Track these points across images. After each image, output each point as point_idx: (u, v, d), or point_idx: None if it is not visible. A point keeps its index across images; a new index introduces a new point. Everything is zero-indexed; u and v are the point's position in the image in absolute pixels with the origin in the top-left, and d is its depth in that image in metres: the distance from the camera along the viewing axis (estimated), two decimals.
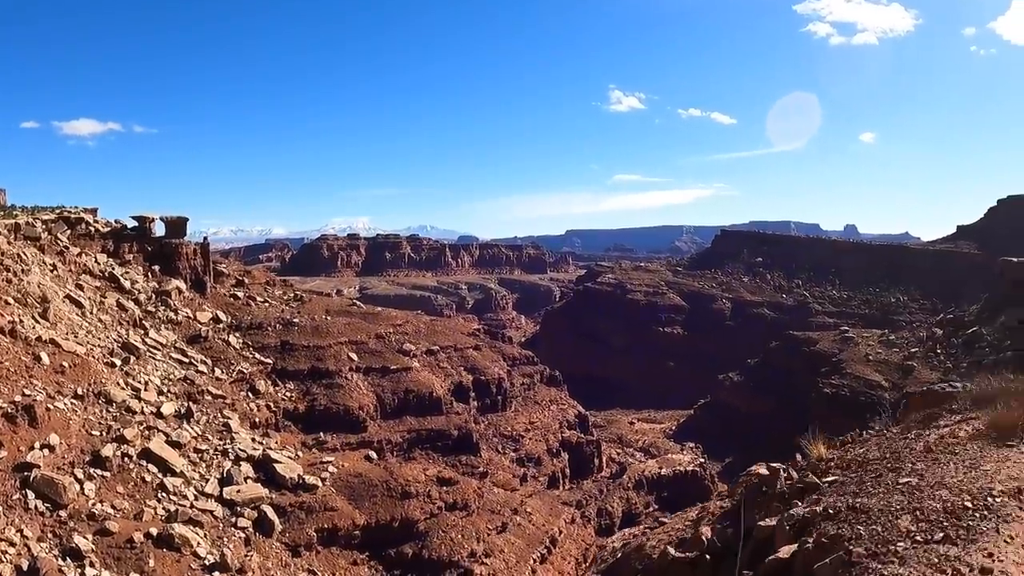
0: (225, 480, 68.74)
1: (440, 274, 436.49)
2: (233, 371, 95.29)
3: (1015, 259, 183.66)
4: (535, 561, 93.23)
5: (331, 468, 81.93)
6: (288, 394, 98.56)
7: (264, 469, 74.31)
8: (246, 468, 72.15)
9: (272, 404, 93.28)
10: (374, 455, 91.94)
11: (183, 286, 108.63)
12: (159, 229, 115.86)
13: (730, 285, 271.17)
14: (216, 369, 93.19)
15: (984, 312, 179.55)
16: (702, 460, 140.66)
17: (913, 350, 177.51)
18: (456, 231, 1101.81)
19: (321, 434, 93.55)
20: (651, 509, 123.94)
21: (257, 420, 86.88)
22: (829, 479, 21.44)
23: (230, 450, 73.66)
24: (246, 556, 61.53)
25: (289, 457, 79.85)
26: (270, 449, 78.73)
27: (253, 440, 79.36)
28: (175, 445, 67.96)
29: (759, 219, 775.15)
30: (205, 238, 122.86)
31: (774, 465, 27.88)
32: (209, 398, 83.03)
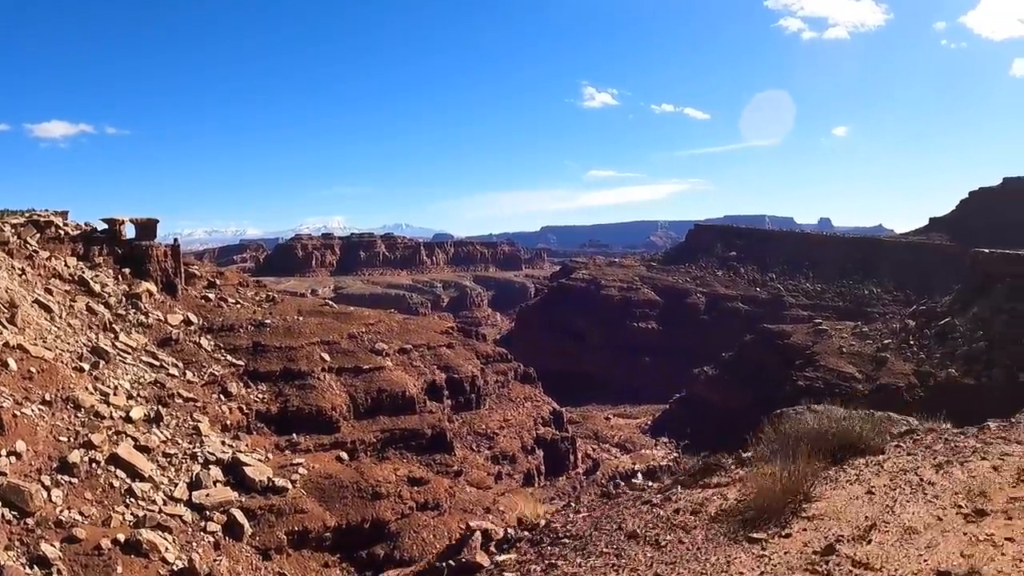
0: (194, 484, 68.26)
1: (415, 272, 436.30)
2: (205, 374, 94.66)
3: (986, 250, 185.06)
4: None
5: (301, 470, 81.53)
6: (260, 396, 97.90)
7: (234, 472, 73.85)
8: (215, 471, 71.73)
9: (244, 406, 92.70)
10: (345, 456, 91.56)
11: (154, 288, 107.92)
12: (129, 231, 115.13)
13: (704, 279, 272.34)
14: (187, 372, 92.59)
15: (956, 303, 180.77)
16: (676, 455, 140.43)
17: (886, 342, 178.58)
18: (431, 229, 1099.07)
19: (294, 435, 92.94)
20: None
21: (229, 423, 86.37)
22: (501, 558, 17.55)
23: (199, 454, 73.20)
24: (215, 561, 61.21)
25: (259, 459, 79.47)
26: (240, 452, 78.33)
27: (223, 443, 78.93)
28: (144, 450, 67.59)
29: (734, 213, 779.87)
30: (175, 240, 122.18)
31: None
32: (180, 401, 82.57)
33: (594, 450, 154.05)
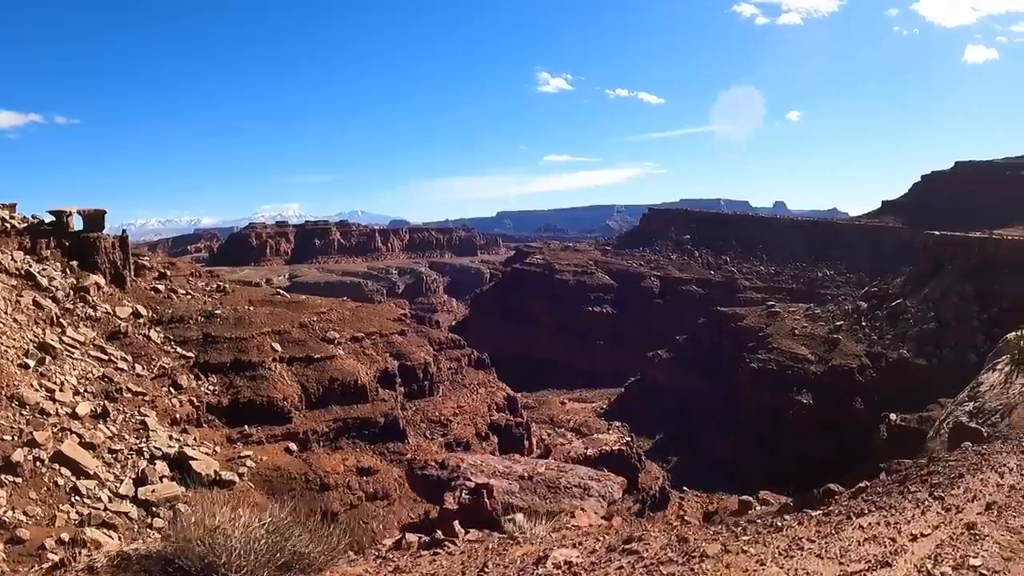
0: (140, 480, 67.62)
1: (370, 259, 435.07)
2: (154, 367, 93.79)
3: (937, 233, 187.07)
4: None
5: (249, 463, 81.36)
6: (211, 388, 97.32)
7: (180, 467, 73.17)
8: (161, 467, 71.16)
9: (195, 399, 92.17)
10: (295, 447, 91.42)
11: (102, 281, 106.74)
12: (78, 223, 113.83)
13: (659, 263, 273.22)
14: (137, 365, 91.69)
15: (908, 285, 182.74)
16: (628, 439, 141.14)
17: (839, 323, 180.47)
18: (388, 215, 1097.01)
19: (246, 427, 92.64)
20: None
21: (178, 416, 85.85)
22: None
23: (145, 449, 72.52)
24: None
25: (206, 453, 79.08)
26: (187, 446, 77.88)
27: (170, 437, 78.39)
28: (89, 446, 66.94)
29: (690, 197, 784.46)
30: (124, 231, 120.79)
31: None
32: (128, 396, 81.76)
33: (549, 435, 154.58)
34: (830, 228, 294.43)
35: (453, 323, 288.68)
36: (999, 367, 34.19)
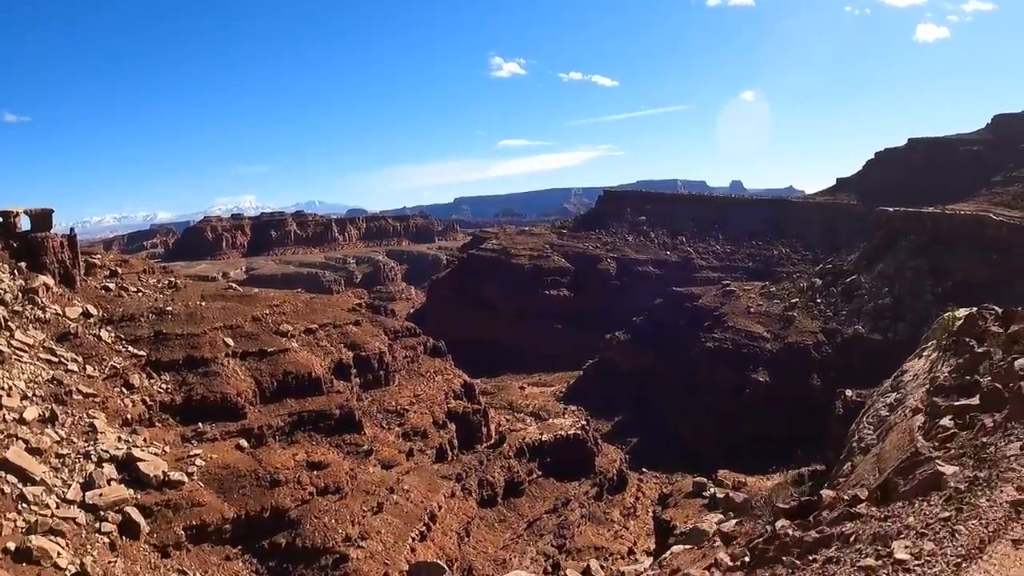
0: (88, 484, 67.13)
1: (327, 250, 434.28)
2: (105, 367, 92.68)
3: (891, 209, 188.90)
4: (414, 539, 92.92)
5: (199, 461, 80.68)
6: (164, 386, 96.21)
7: (128, 469, 72.63)
8: (109, 469, 70.51)
9: (148, 398, 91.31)
10: (245, 444, 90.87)
11: (51, 282, 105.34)
12: (26, 224, 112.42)
13: (615, 245, 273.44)
14: (88, 366, 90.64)
15: (862, 261, 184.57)
16: (584, 423, 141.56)
17: (794, 301, 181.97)
18: (345, 204, 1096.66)
19: (200, 425, 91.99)
20: (535, 476, 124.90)
21: (129, 416, 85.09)
22: None
23: (93, 452, 71.91)
24: (110, 563, 60.60)
25: (155, 454, 78.42)
26: (135, 447, 77.24)
27: (119, 439, 77.61)
28: (36, 452, 66.32)
29: (647, 178, 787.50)
30: (72, 229, 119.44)
31: None
32: (79, 398, 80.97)
33: (508, 420, 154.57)
34: (785, 206, 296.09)
35: (411, 311, 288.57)
36: (925, 353, 34.33)
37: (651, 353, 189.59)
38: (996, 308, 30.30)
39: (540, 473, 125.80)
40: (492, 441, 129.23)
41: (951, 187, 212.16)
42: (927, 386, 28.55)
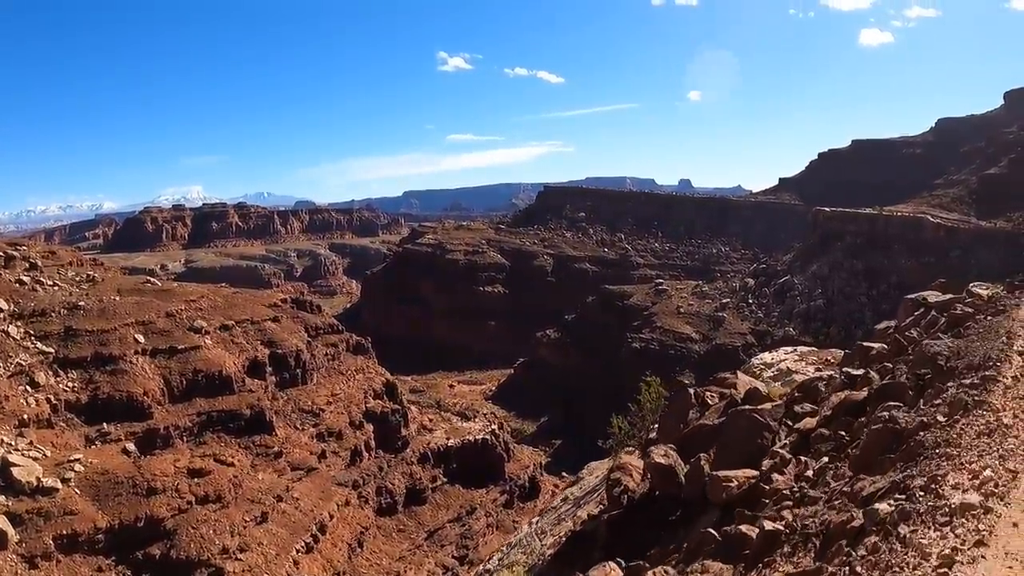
0: None
1: (269, 242, 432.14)
2: (11, 364, 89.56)
3: (828, 209, 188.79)
4: (299, 551, 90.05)
5: (78, 467, 77.74)
6: (70, 384, 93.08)
7: (3, 474, 69.88)
8: None
9: (52, 397, 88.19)
10: (133, 448, 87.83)
11: None
12: None
13: (552, 241, 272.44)
14: None
15: (796, 261, 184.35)
16: (495, 428, 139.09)
17: (725, 301, 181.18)
18: (293, 196, 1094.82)
19: (104, 425, 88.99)
20: (439, 483, 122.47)
21: (26, 417, 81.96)
22: None
23: None
24: None
25: (34, 458, 75.38)
26: (16, 450, 74.19)
27: (0, 442, 74.71)
28: None
29: (595, 175, 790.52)
30: None
31: None
32: None
33: (431, 420, 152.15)
34: (726, 204, 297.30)
35: (348, 305, 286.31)
36: None
37: (581, 352, 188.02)
38: None
39: (445, 480, 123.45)
40: (399, 444, 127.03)
41: (893, 188, 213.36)
42: None
